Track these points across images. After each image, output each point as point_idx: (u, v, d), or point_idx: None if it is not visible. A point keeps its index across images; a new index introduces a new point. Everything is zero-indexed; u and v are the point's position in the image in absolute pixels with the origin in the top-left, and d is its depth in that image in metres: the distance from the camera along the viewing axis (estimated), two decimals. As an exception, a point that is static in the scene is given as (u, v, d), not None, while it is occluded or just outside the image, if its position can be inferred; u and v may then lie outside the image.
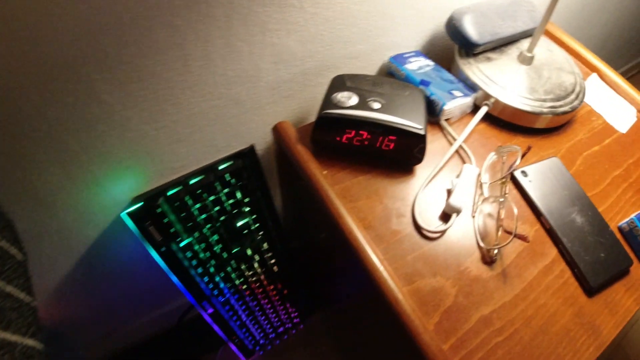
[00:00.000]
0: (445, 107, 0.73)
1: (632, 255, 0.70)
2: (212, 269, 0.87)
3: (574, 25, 1.38)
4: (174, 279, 0.83)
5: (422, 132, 0.64)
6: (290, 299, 1.11)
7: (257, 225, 0.87)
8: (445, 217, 0.66)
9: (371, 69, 0.87)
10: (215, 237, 0.83)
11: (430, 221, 0.66)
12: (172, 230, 0.76)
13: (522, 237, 0.60)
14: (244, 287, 0.96)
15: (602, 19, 1.51)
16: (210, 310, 0.96)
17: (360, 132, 0.66)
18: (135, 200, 0.74)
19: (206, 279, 0.88)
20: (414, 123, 0.65)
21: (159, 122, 0.66)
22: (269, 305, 1.07)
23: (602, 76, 0.93)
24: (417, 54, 0.84)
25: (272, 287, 1.03)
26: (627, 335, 1.52)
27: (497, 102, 0.76)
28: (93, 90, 0.57)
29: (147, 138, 0.67)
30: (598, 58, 0.95)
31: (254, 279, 0.97)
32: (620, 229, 0.72)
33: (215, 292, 0.92)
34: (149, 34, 0.55)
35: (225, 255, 0.87)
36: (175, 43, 0.58)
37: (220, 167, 0.76)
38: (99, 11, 0.50)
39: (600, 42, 1.68)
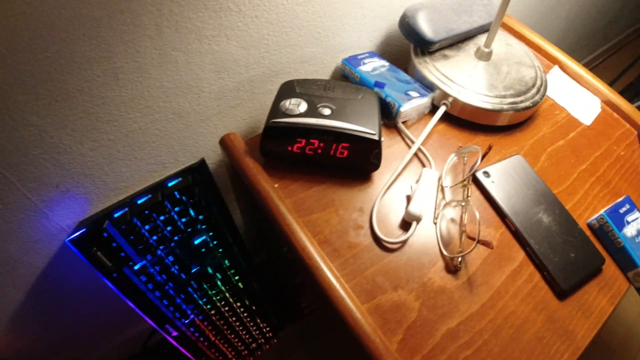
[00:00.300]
0: (402, 109, 0.69)
1: (603, 252, 0.67)
2: (171, 291, 0.83)
3: (534, 18, 1.37)
4: (131, 304, 0.79)
5: (375, 137, 0.61)
6: (259, 314, 1.07)
7: (216, 242, 0.83)
8: (406, 225, 0.63)
9: (324, 73, 0.83)
10: (171, 257, 0.78)
11: (390, 231, 0.62)
12: (122, 254, 0.72)
13: (485, 243, 0.57)
14: (209, 306, 0.92)
15: (563, 11, 1.50)
16: (175, 333, 0.92)
17: (312, 140, 0.62)
18: (80, 225, 0.70)
19: (165, 301, 0.83)
20: (366, 128, 0.61)
21: (95, 141, 0.62)
22: (237, 323, 1.03)
23: (564, 68, 0.91)
24: (372, 54, 0.81)
25: (239, 304, 0.98)
26: (606, 324, 1.52)
27: (455, 101, 0.73)
28: (18, 112, 0.52)
29: (84, 159, 0.63)
30: (559, 50, 0.93)
31: (218, 297, 0.92)
32: (589, 226, 0.70)
33: (178, 314, 0.88)
34: (72, 48, 0.51)
35: (184, 275, 0.82)
36: (101, 56, 0.54)
37: (170, 185, 0.72)
38: (13, 27, 0.45)
39: (562, 33, 1.68)
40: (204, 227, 0.79)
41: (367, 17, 0.79)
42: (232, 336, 1.05)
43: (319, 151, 0.63)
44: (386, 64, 0.78)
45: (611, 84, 2.34)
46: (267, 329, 1.14)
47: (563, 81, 0.89)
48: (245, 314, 1.02)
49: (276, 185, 0.63)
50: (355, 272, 0.58)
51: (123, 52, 0.55)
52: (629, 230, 0.68)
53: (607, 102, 0.88)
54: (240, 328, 1.05)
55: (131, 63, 0.57)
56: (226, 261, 0.87)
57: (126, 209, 0.70)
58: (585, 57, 2.26)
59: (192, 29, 0.58)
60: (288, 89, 0.67)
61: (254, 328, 1.09)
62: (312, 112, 0.62)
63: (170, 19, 0.55)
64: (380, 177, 0.67)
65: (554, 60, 0.92)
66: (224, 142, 0.67)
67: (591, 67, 2.40)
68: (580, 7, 1.59)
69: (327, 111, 0.63)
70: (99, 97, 0.57)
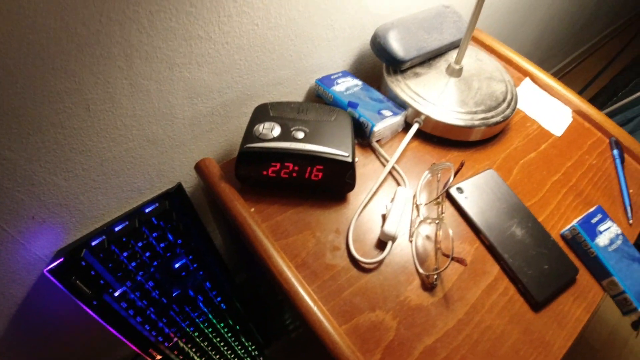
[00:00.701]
0: (375, 129, 0.70)
1: (577, 262, 0.69)
2: (153, 316, 0.82)
3: (505, 31, 1.39)
4: (113, 330, 0.78)
5: (348, 159, 0.61)
6: (244, 333, 1.07)
7: (196, 265, 0.82)
8: (382, 245, 0.63)
9: (298, 94, 0.84)
10: (151, 283, 0.78)
11: (366, 251, 0.63)
12: (101, 281, 0.71)
13: (459, 261, 0.58)
14: (192, 329, 0.91)
15: (534, 20, 1.53)
16: (159, 357, 0.91)
17: (286, 164, 0.62)
18: (58, 254, 0.69)
19: (147, 326, 0.83)
20: (340, 150, 0.62)
21: (69, 171, 0.61)
22: (222, 343, 1.02)
23: (535, 79, 0.93)
24: (345, 74, 0.81)
25: (222, 324, 0.98)
26: (589, 325, 1.53)
27: (427, 118, 0.74)
28: (-10, 146, 0.52)
29: (59, 189, 0.62)
30: (530, 62, 0.94)
31: (201, 319, 0.92)
32: (562, 237, 0.71)
33: (161, 338, 0.87)
34: (41, 82, 0.51)
35: (165, 300, 0.82)
36: (72, 89, 0.54)
37: (147, 211, 0.72)
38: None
39: (535, 42, 1.70)
40: (183, 250, 0.79)
41: (338, 38, 0.80)
42: (218, 357, 1.04)
43: (294, 174, 0.64)
44: (359, 83, 0.79)
45: (585, 88, 2.38)
46: (253, 347, 1.13)
47: (534, 93, 0.91)
48: (229, 334, 1.02)
49: (252, 210, 0.64)
50: (333, 294, 0.58)
51: (93, 83, 0.55)
52: (601, 240, 0.69)
53: (578, 112, 0.90)
54: (226, 348, 1.04)
55: (102, 94, 0.57)
56: (207, 283, 0.87)
57: (104, 237, 0.69)
58: (559, 62, 2.30)
59: (162, 58, 0.59)
60: (262, 113, 0.67)
61: (240, 347, 1.09)
62: (285, 136, 0.63)
63: (140, 49, 0.56)
64: (356, 197, 0.68)
65: (525, 73, 0.94)
66: (199, 168, 0.67)
67: (565, 72, 2.44)
68: (551, 16, 1.61)
69: (300, 134, 0.63)
70: (71, 128, 0.57)
